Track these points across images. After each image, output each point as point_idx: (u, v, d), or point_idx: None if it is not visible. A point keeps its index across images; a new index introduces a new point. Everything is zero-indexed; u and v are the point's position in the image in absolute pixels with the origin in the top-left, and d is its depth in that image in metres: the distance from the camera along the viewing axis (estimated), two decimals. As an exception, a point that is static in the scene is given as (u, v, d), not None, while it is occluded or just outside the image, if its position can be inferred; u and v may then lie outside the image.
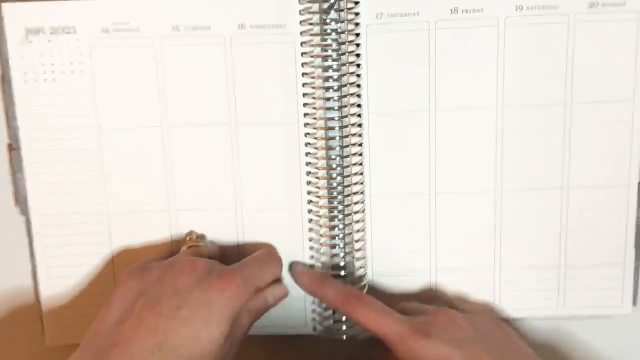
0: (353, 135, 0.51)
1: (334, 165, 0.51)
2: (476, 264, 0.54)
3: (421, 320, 0.47)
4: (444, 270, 0.54)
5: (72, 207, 0.53)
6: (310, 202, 0.52)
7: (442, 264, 0.54)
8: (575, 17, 0.51)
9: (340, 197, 0.51)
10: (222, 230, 0.53)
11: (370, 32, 0.51)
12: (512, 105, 0.52)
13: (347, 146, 0.51)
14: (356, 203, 0.52)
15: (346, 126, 0.51)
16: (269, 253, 0.52)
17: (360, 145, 0.52)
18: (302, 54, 0.51)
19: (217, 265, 0.48)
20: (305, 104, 0.51)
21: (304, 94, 0.51)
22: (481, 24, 0.51)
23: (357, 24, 0.50)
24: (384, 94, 0.52)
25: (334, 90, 0.50)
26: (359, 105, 0.51)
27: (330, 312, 0.53)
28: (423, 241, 0.54)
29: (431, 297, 0.54)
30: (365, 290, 0.53)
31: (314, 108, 0.51)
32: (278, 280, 0.53)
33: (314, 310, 0.54)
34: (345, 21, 0.50)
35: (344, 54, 0.50)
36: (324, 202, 0.52)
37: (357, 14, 0.50)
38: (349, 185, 0.52)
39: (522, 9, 0.51)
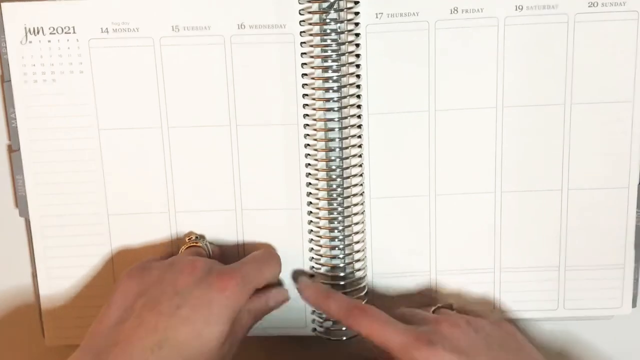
0: (353, 135, 0.51)
1: (333, 166, 0.51)
2: (476, 264, 0.54)
3: (424, 329, 0.47)
4: (444, 271, 0.54)
5: (72, 207, 0.53)
6: (310, 202, 0.52)
7: (442, 264, 0.54)
8: (575, 16, 0.51)
9: (340, 197, 0.51)
10: (222, 231, 0.53)
11: (370, 32, 0.51)
12: (512, 105, 0.52)
13: (347, 147, 0.51)
14: (356, 204, 0.52)
15: (346, 127, 0.51)
16: (267, 252, 0.52)
17: (360, 145, 0.52)
18: (302, 54, 0.51)
19: (217, 265, 0.48)
20: (305, 104, 0.51)
21: (304, 94, 0.51)
22: (481, 24, 0.51)
23: (356, 24, 0.50)
24: (384, 94, 0.52)
25: (334, 91, 0.50)
26: (358, 106, 0.51)
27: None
28: (423, 242, 0.54)
29: (431, 299, 0.54)
30: (365, 291, 0.53)
31: (314, 108, 0.51)
32: (280, 283, 0.53)
33: (313, 311, 0.54)
34: (345, 21, 0.50)
35: (343, 54, 0.50)
36: (323, 202, 0.52)
37: (356, 14, 0.50)
38: (348, 187, 0.52)
39: (522, 9, 0.50)
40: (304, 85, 0.51)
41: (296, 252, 0.53)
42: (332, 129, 0.51)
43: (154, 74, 0.51)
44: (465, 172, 0.53)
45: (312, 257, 0.53)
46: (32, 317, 0.55)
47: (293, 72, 0.51)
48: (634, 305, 0.55)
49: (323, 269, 0.53)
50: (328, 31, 0.50)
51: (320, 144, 0.51)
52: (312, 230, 0.53)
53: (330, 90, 0.50)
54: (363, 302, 0.52)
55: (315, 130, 0.51)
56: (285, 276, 0.54)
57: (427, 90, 0.52)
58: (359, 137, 0.52)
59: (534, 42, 0.51)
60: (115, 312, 0.47)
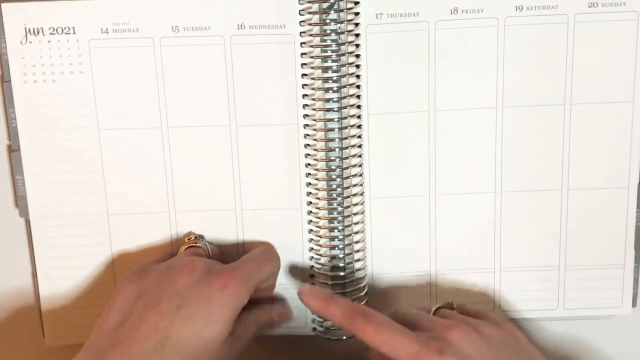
0: (353, 135, 0.51)
1: (333, 166, 0.51)
2: (476, 264, 0.54)
3: (432, 337, 0.46)
4: (444, 271, 0.54)
5: (72, 208, 0.53)
6: (310, 202, 0.52)
7: (442, 264, 0.54)
8: (575, 17, 0.51)
9: (340, 197, 0.51)
10: (222, 231, 0.53)
11: (370, 33, 0.51)
12: (512, 105, 0.52)
13: (347, 147, 0.51)
14: (356, 204, 0.52)
15: (346, 127, 0.51)
16: (266, 250, 0.52)
17: (360, 146, 0.52)
18: (302, 54, 0.51)
19: (216, 264, 0.49)
20: (305, 105, 0.51)
21: (304, 95, 0.51)
22: (481, 24, 0.51)
23: (356, 24, 0.50)
24: (384, 95, 0.52)
25: (334, 91, 0.50)
26: (358, 106, 0.51)
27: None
28: (423, 242, 0.54)
29: (431, 299, 0.54)
30: (365, 291, 0.53)
31: (314, 108, 0.51)
32: (284, 301, 0.53)
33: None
34: (345, 21, 0.49)
35: (343, 54, 0.50)
36: (323, 202, 0.52)
37: (356, 14, 0.50)
38: (348, 187, 0.52)
39: (522, 9, 0.50)
40: (304, 85, 0.51)
41: (296, 252, 0.53)
42: (332, 129, 0.51)
43: (154, 74, 0.51)
44: (465, 172, 0.53)
45: (312, 257, 0.53)
46: (32, 317, 0.55)
47: (293, 72, 0.51)
48: (634, 305, 0.55)
49: (323, 269, 0.53)
50: (328, 31, 0.50)
51: (320, 144, 0.51)
52: (312, 230, 0.53)
53: (330, 91, 0.50)
54: (363, 303, 0.53)
55: (315, 130, 0.51)
56: (286, 276, 0.54)
57: (427, 91, 0.52)
58: (359, 137, 0.52)
59: (534, 42, 0.51)
60: (116, 315, 0.47)
